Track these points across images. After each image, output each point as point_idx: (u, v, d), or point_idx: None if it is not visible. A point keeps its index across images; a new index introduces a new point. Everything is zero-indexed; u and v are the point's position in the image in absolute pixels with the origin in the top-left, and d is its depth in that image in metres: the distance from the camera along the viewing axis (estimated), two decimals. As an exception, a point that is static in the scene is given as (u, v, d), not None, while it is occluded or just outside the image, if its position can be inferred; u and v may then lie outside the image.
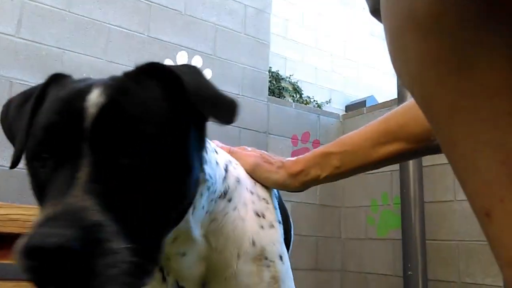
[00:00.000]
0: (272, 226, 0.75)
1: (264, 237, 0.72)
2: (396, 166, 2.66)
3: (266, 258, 0.71)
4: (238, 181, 0.74)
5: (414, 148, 0.74)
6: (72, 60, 2.20)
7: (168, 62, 2.49)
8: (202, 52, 2.62)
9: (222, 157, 0.74)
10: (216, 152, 0.73)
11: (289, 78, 4.15)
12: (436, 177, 2.50)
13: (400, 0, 0.31)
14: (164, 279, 0.69)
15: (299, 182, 0.81)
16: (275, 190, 0.85)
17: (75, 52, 2.21)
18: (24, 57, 2.08)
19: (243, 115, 2.70)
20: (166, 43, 2.49)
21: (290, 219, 0.90)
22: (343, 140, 0.81)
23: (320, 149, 0.82)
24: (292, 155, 2.98)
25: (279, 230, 0.76)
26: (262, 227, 0.73)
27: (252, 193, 0.76)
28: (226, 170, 0.73)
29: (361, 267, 2.86)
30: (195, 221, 0.65)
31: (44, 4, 2.17)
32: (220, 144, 0.83)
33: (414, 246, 2.43)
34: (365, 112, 3.06)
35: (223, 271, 0.69)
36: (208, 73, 2.62)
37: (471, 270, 2.30)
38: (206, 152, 0.67)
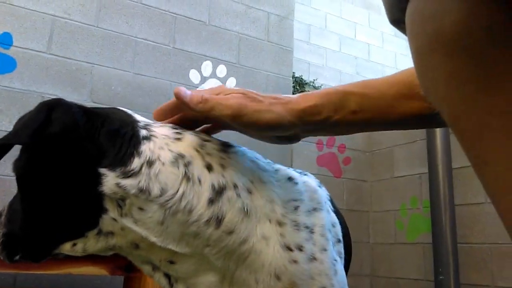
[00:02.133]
0: (312, 259, 0.64)
1: (295, 273, 0.62)
2: (425, 169, 2.62)
3: None
4: (246, 213, 0.62)
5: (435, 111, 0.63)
6: (101, 74, 2.27)
7: (193, 72, 2.54)
8: (227, 61, 2.65)
9: (212, 176, 0.62)
10: (187, 164, 0.61)
11: (313, 82, 4.15)
12: (467, 179, 2.45)
13: (427, 20, 0.31)
14: (171, 285, 0.66)
15: (303, 123, 0.63)
16: (328, 202, 0.73)
17: (104, 66, 2.28)
18: (55, 73, 2.16)
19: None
20: (191, 54, 2.54)
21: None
22: (367, 82, 0.67)
23: (336, 87, 0.66)
24: (318, 161, 2.99)
25: (326, 260, 0.65)
26: (294, 261, 0.62)
27: (281, 224, 0.63)
28: (218, 192, 0.61)
29: (391, 272, 2.83)
30: (146, 229, 0.60)
31: (74, 21, 2.25)
32: (188, 92, 0.64)
33: (446, 249, 2.39)
34: (391, 115, 3.03)
35: None
36: (232, 82, 2.65)
37: (505, 274, 2.24)
38: (131, 159, 0.59)
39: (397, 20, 0.37)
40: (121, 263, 1.70)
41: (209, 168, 0.63)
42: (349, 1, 4.56)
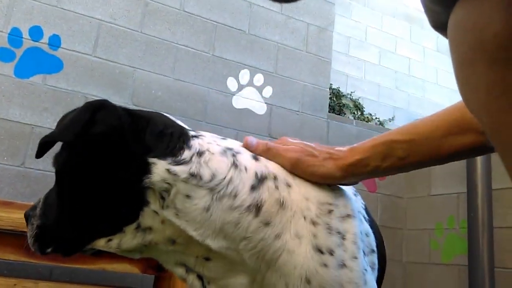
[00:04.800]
0: (343, 265, 0.63)
1: (325, 277, 0.62)
2: (463, 188, 2.54)
3: None
4: (281, 205, 0.64)
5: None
6: (142, 78, 2.33)
7: (231, 80, 2.57)
8: (264, 70, 2.67)
9: (257, 165, 0.66)
10: (234, 154, 0.65)
11: (350, 95, 4.12)
12: (507, 201, 2.36)
13: (469, 30, 0.32)
14: (204, 287, 0.67)
15: (353, 175, 0.69)
16: (362, 210, 0.73)
17: (146, 71, 2.34)
18: (99, 75, 2.24)
19: (303, 132, 2.71)
20: (229, 62, 2.57)
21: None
22: (408, 128, 0.70)
23: (382, 136, 0.70)
24: (352, 174, 2.95)
25: (356, 268, 0.64)
26: (325, 265, 0.62)
27: (314, 224, 0.64)
28: (260, 180, 0.64)
29: (423, 293, 2.74)
30: (186, 221, 0.62)
31: (119, 26, 2.32)
32: (254, 140, 0.72)
33: (482, 273, 2.30)
34: (429, 131, 2.95)
35: None
36: (269, 91, 2.67)
37: (546, 303, 2.13)
38: (183, 147, 0.63)
39: (440, 26, 0.37)
40: (153, 262, 1.73)
41: (255, 158, 0.67)
42: (390, 14, 4.51)
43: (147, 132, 0.64)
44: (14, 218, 1.42)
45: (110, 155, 0.62)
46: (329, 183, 0.70)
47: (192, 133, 0.67)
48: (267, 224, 0.63)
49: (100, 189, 0.63)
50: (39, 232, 0.68)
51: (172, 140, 0.64)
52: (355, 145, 0.71)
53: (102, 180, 0.63)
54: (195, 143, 0.65)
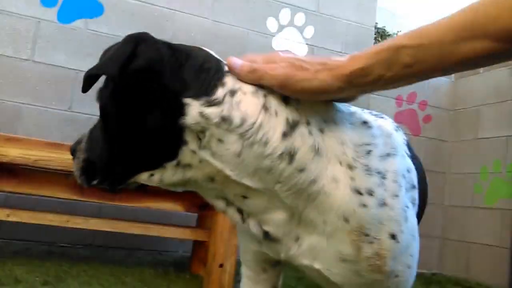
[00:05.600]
0: (383, 204, 0.63)
1: (364, 216, 0.63)
2: (513, 132, 2.44)
3: (367, 235, 0.63)
4: (317, 151, 0.63)
5: (505, 48, 0.57)
6: (181, 20, 2.31)
7: (271, 20, 2.50)
8: (305, 8, 2.58)
9: (288, 110, 0.63)
10: (266, 95, 0.63)
11: (397, 34, 3.93)
12: (561, 146, 2.25)
13: None
14: (243, 220, 0.68)
15: (353, 86, 0.62)
16: (404, 146, 0.72)
17: (185, 13, 2.32)
18: (139, 19, 2.24)
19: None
20: (269, 1, 2.49)
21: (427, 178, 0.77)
22: (418, 32, 0.62)
23: (388, 41, 0.63)
24: (396, 117, 2.87)
25: (397, 206, 0.64)
26: (363, 205, 0.63)
27: (352, 168, 0.64)
28: (292, 126, 0.62)
29: (463, 236, 2.72)
30: (222, 163, 0.63)
31: (157, -34, 2.28)
32: (239, 62, 0.66)
33: (528, 218, 2.24)
34: (481, 71, 2.80)
35: (312, 229, 0.65)
36: (310, 31, 2.58)
37: None
38: (214, 90, 0.61)
39: None
40: (196, 202, 1.80)
41: (285, 100, 0.64)
42: None
43: (186, 67, 0.63)
44: (64, 159, 1.50)
45: (150, 91, 0.62)
46: (325, 98, 0.65)
47: (226, 68, 0.66)
48: (301, 170, 0.63)
49: (141, 125, 0.64)
50: (85, 165, 0.70)
51: (207, 76, 0.63)
52: (355, 53, 0.63)
53: (142, 116, 0.63)
54: (229, 81, 0.64)
